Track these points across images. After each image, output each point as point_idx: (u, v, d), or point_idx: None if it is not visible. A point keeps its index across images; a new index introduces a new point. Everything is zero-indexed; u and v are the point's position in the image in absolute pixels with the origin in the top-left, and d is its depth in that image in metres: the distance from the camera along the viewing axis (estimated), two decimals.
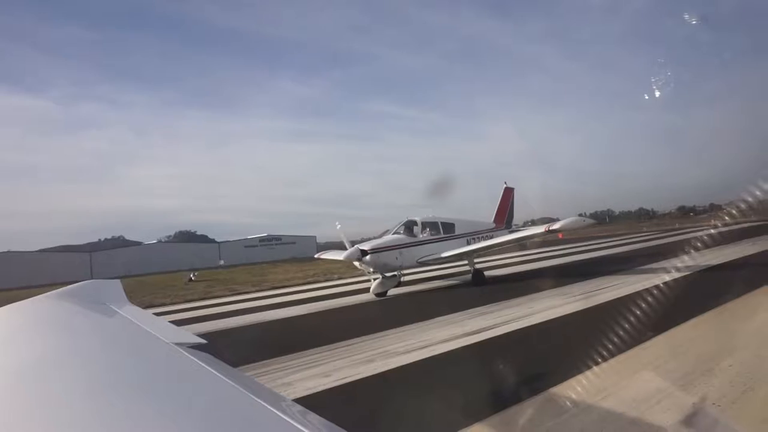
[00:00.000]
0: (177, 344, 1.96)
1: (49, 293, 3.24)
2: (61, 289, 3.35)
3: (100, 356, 1.81)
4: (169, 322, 2.87)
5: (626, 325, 7.04)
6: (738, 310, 8.51)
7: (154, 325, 2.39)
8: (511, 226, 22.44)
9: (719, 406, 4.52)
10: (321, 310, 14.44)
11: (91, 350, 1.91)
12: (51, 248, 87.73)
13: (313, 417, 1.28)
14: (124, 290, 3.69)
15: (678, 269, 14.56)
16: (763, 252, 18.19)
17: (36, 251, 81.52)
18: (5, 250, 76.75)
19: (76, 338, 2.16)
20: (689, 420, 4.27)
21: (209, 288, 28.89)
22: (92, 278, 5.16)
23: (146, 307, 17.39)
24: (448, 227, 18.24)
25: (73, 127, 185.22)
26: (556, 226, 15.16)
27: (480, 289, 15.73)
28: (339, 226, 18.31)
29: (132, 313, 2.77)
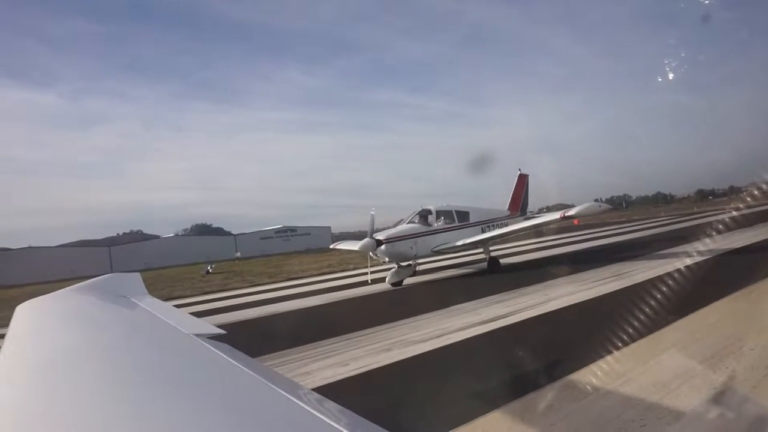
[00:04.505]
0: (196, 335, 1.99)
1: (71, 287, 3.30)
2: (82, 283, 3.41)
3: (122, 347, 1.84)
4: (189, 313, 2.91)
5: (645, 311, 6.98)
6: (760, 294, 8.37)
7: (173, 317, 2.42)
8: (526, 213, 22.28)
9: (740, 390, 4.47)
10: (337, 300, 14.51)
11: (113, 341, 1.94)
12: (70, 243, 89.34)
13: (331, 405, 1.30)
14: (144, 283, 3.74)
15: (697, 253, 14.37)
16: None
17: (56, 246, 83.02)
18: (26, 246, 78.36)
19: (99, 330, 2.20)
20: (709, 404, 4.23)
21: (226, 280, 29.20)
22: (112, 272, 5.24)
23: (165, 299, 17.64)
24: (463, 215, 18.17)
25: (83, 122, 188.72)
26: (571, 212, 15.00)
27: (496, 276, 15.68)
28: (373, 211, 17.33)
29: (152, 305, 2.82)
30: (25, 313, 2.55)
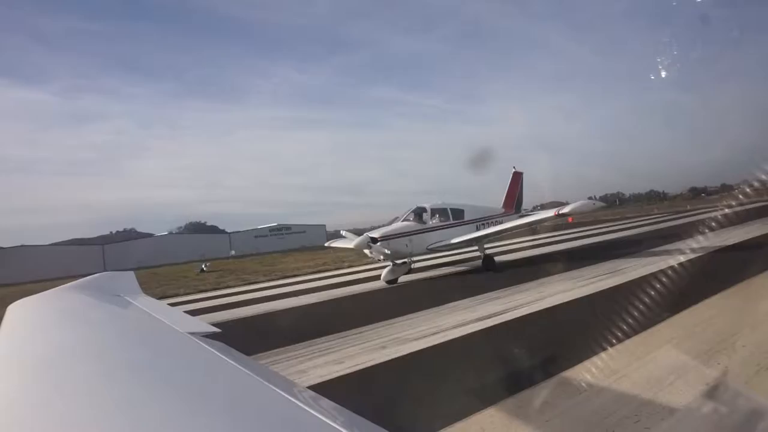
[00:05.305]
0: (191, 333, 1.98)
1: (64, 285, 3.28)
2: (76, 282, 3.39)
3: (116, 346, 1.83)
4: (183, 312, 2.90)
5: (639, 308, 7.00)
6: (751, 291, 8.44)
7: (168, 315, 2.41)
8: (520, 211, 22.33)
9: (733, 385, 4.50)
10: (332, 298, 14.49)
11: (107, 340, 1.93)
12: (64, 242, 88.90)
13: (326, 403, 1.29)
14: (138, 281, 3.72)
15: (690, 250, 14.45)
16: None
17: (49, 245, 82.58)
18: (19, 245, 77.89)
19: (92, 329, 2.18)
20: (703, 400, 4.26)
21: (221, 278, 29.11)
22: (105, 270, 5.22)
23: (160, 297, 17.56)
24: (458, 213, 18.19)
25: (77, 120, 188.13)
26: (565, 209, 15.06)
27: (491, 274, 15.71)
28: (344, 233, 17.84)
29: (146, 303, 2.80)
30: (17, 312, 2.53)
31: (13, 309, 2.59)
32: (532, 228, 21.21)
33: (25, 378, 1.41)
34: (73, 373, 1.41)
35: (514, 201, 22.32)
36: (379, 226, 16.70)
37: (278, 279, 24.41)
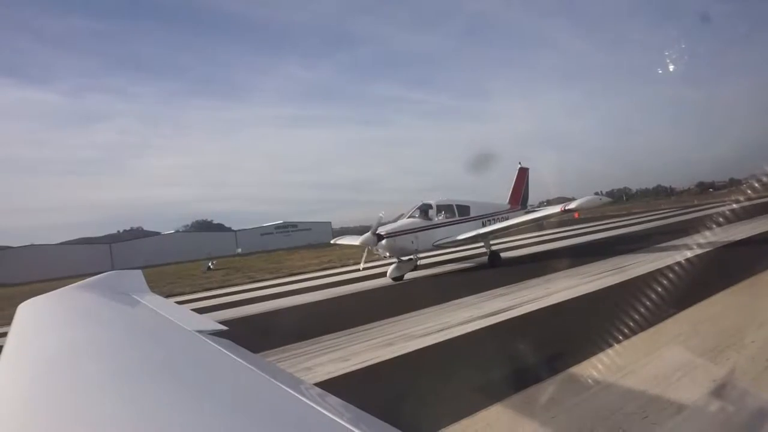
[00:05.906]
0: (199, 331, 1.99)
1: (73, 285, 3.31)
2: (84, 281, 3.42)
3: (124, 344, 1.84)
4: (190, 310, 2.91)
5: (646, 303, 6.98)
6: (759, 287, 8.37)
7: (175, 313, 2.43)
8: (526, 207, 22.23)
9: (741, 382, 4.48)
10: (338, 295, 14.52)
11: (115, 339, 1.95)
12: (71, 241, 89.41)
13: (333, 400, 1.30)
14: (145, 280, 3.75)
15: (697, 246, 14.35)
16: None
17: (57, 244, 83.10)
18: (27, 244, 78.48)
19: (101, 327, 2.20)
20: (710, 397, 4.24)
21: (227, 276, 29.22)
22: (113, 269, 5.25)
23: (167, 296, 17.64)
24: (464, 210, 18.15)
25: (83, 119, 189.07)
26: (572, 205, 14.99)
27: (496, 270, 15.68)
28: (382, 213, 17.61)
29: (154, 302, 2.82)
30: (27, 311, 2.56)
31: (23, 308, 2.62)
32: (538, 224, 21.12)
33: (35, 376, 1.42)
34: (83, 372, 1.42)
35: (519, 197, 22.22)
36: (385, 223, 16.69)
37: (284, 276, 24.48)
